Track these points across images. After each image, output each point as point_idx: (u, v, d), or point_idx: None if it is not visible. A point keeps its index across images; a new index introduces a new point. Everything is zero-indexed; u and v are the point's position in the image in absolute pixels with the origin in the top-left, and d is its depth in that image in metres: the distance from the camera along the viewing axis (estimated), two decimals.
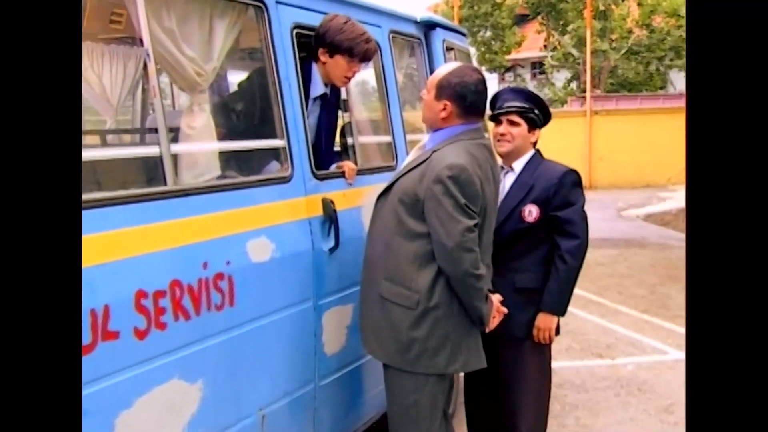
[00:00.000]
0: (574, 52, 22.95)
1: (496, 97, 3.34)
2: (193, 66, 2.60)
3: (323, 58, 3.05)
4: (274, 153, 2.90)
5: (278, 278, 2.77)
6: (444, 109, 2.72)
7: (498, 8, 23.63)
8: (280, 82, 2.85)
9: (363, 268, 2.87)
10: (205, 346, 2.44)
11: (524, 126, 3.25)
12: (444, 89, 2.71)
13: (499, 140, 3.27)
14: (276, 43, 2.86)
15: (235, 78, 3.08)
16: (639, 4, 22.24)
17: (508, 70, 28.79)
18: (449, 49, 4.33)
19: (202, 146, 2.67)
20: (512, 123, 3.25)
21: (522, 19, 26.25)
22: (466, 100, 2.72)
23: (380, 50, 3.62)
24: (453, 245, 2.58)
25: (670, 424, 4.39)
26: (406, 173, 2.73)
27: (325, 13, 3.18)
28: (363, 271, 2.87)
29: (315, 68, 3.12)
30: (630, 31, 22.77)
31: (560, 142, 13.05)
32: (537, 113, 3.27)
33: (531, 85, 26.89)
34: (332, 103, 3.30)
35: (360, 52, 3.04)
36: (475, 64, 4.84)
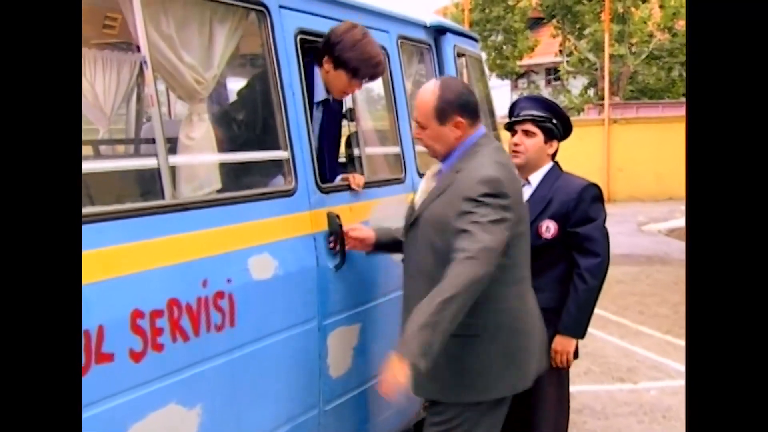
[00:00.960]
0: (591, 57, 23.00)
1: (513, 105, 3.37)
2: (193, 74, 2.62)
3: (327, 66, 3.08)
4: (277, 165, 2.91)
5: (281, 297, 2.78)
6: (456, 127, 2.70)
7: (510, 11, 23.74)
8: (283, 91, 2.88)
9: (403, 310, 2.81)
10: (204, 369, 2.45)
11: (540, 137, 3.26)
12: (445, 111, 2.68)
13: (513, 151, 3.28)
14: (279, 49, 2.89)
15: (236, 86, 3.10)
16: (661, 6, 22.29)
17: (521, 76, 28.89)
18: (460, 55, 4.36)
19: (201, 158, 2.69)
20: (527, 133, 3.27)
21: (536, 23, 26.37)
22: (469, 105, 2.73)
23: (388, 57, 3.65)
24: (480, 247, 2.47)
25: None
26: (432, 202, 2.70)
27: (331, 18, 3.21)
28: (403, 313, 2.76)
29: (317, 72, 3.15)
30: (651, 35, 22.82)
31: (577, 152, 13.04)
32: (555, 123, 3.27)
33: (546, 92, 26.96)
34: (335, 109, 3.33)
35: (365, 74, 3.10)
36: (486, 70, 4.85)
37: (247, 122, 3.04)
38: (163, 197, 2.37)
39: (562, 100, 24.48)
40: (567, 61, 24.44)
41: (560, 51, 25.25)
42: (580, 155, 14.72)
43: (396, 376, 2.39)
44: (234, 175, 2.84)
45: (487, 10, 23.69)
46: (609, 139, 17.78)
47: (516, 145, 3.28)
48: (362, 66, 3.05)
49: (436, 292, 2.43)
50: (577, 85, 25.46)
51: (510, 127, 3.33)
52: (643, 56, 22.81)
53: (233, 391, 2.59)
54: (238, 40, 2.82)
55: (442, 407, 2.76)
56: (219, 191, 2.70)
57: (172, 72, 2.56)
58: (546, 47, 26.71)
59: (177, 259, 2.36)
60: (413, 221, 2.78)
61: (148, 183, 2.45)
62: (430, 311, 2.40)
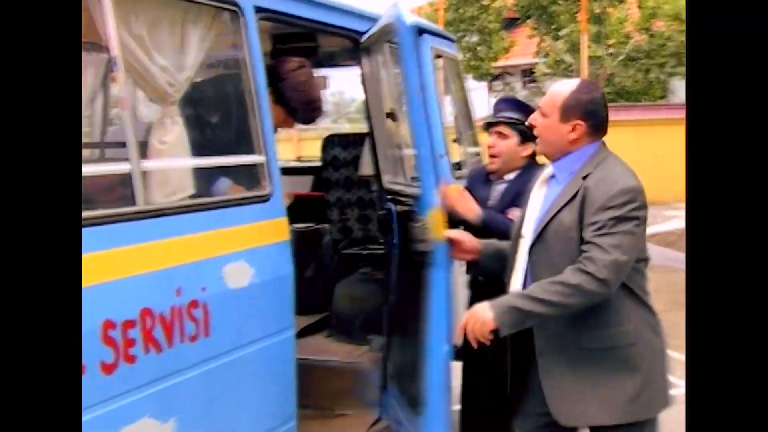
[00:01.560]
0: (568, 58, 23.20)
1: (494, 107, 3.45)
2: (165, 76, 2.62)
3: (275, 110, 3.13)
4: (252, 170, 2.92)
5: (258, 305, 2.79)
6: (573, 130, 2.62)
7: (485, 11, 23.87)
8: (258, 94, 2.89)
9: (541, 330, 2.65)
10: (178, 381, 2.45)
11: (514, 138, 3.33)
12: (572, 109, 2.61)
13: (489, 155, 3.40)
14: (253, 51, 2.90)
15: (210, 89, 3.10)
16: (639, 7, 22.55)
17: (496, 78, 29.05)
18: (437, 56, 4.39)
19: (175, 163, 2.69)
20: (501, 135, 3.35)
21: (511, 23, 26.51)
22: (598, 116, 2.65)
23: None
24: (609, 261, 2.41)
25: None
26: (559, 211, 2.58)
27: (305, 19, 3.24)
28: (537, 332, 2.64)
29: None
30: (628, 36, 23.07)
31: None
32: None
33: (522, 94, 27.14)
34: None
35: (301, 118, 3.21)
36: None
37: (221, 126, 3.05)
38: (135, 203, 2.37)
39: (538, 102, 24.63)
40: (543, 63, 24.63)
41: (536, 52, 25.43)
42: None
43: (477, 329, 2.45)
44: (208, 181, 2.85)
45: (461, 10, 23.79)
46: None
47: (490, 147, 3.38)
48: (301, 109, 3.16)
49: (558, 280, 2.43)
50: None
51: (488, 129, 3.41)
52: (621, 58, 23.05)
53: (208, 404, 2.59)
54: (212, 42, 2.83)
55: None
56: (192, 197, 2.70)
57: (144, 74, 2.56)
58: (522, 48, 26.88)
59: (150, 267, 2.37)
60: (540, 233, 2.62)
61: (119, 188, 2.45)
62: (542, 293, 2.43)
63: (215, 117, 3.07)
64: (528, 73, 28.96)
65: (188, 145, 2.73)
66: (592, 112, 2.63)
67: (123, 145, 2.45)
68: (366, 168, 4.01)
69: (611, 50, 23.25)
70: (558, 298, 2.42)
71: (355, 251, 4.36)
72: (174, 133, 2.67)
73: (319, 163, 4.60)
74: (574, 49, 21.76)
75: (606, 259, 2.41)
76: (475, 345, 2.50)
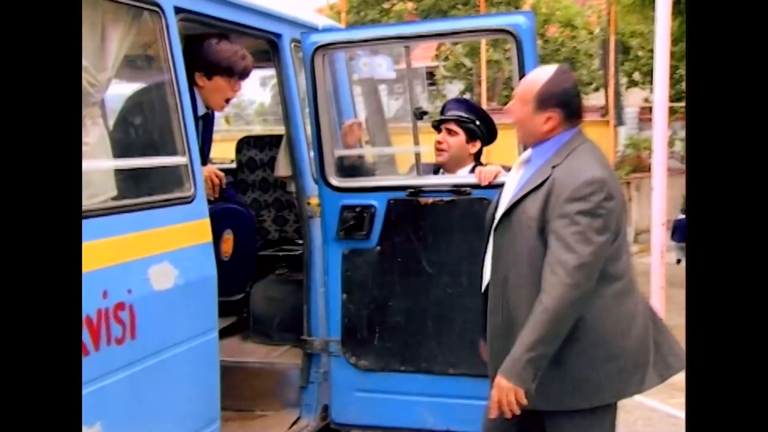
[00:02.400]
0: (467, 62, 23.71)
1: (443, 107, 3.72)
2: (86, 75, 2.58)
3: (201, 81, 3.19)
4: (174, 171, 2.91)
5: (182, 307, 2.78)
6: (548, 119, 2.66)
7: (386, 14, 24.12)
8: (180, 94, 2.87)
9: (493, 312, 2.71)
10: (104, 384, 2.43)
11: (462, 136, 3.60)
12: (546, 99, 2.65)
13: (436, 149, 3.61)
14: (174, 51, 2.89)
15: (131, 89, 3.07)
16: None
17: (396, 80, 29.27)
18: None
19: (97, 164, 2.65)
20: (450, 132, 3.60)
21: None
22: (571, 106, 2.68)
23: (281, 60, 3.70)
24: (577, 264, 2.46)
25: None
26: (526, 197, 2.62)
27: (224, 20, 3.23)
28: (493, 316, 2.70)
29: (195, 90, 3.26)
30: None
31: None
32: (478, 125, 3.60)
33: (421, 98, 27.47)
34: (212, 122, 3.54)
35: (239, 69, 3.21)
36: None
37: (143, 126, 3.02)
38: None
39: (438, 105, 25.07)
40: (443, 66, 25.06)
41: (436, 56, 25.84)
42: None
43: (510, 401, 2.44)
44: (130, 182, 2.81)
45: (362, 13, 23.97)
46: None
47: (439, 143, 3.62)
48: (233, 63, 3.19)
49: (539, 312, 2.45)
50: (453, 90, 26.13)
51: (437, 126, 3.65)
52: None
53: (134, 407, 2.57)
54: (133, 41, 2.80)
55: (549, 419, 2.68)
56: (114, 198, 2.67)
57: None
58: (423, 52, 27.26)
59: None
60: (506, 212, 2.66)
61: None
62: (536, 332, 2.44)
63: (137, 118, 3.03)
64: (429, 76, 29.40)
65: (109, 147, 2.70)
66: (565, 102, 2.66)
67: None
68: (282, 169, 4.03)
69: (508, 54, 23.85)
70: (550, 326, 2.45)
71: (272, 252, 4.36)
72: (95, 134, 2.64)
73: (232, 165, 4.58)
74: (474, 53, 22.25)
75: (573, 263, 2.44)
76: (511, 414, 2.49)
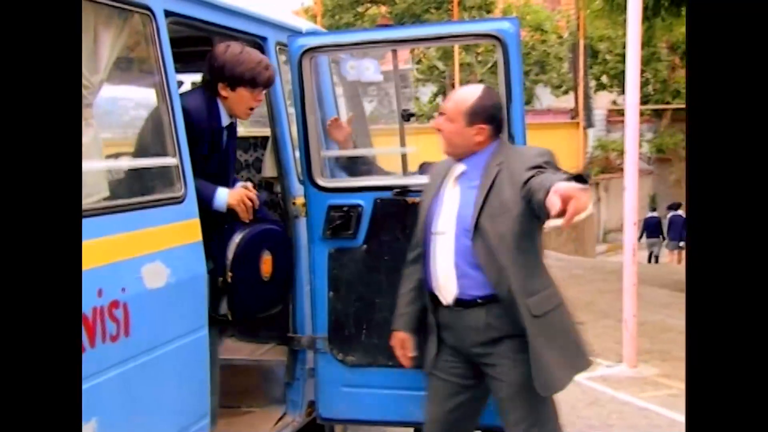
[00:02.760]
0: (440, 65, 23.83)
1: None
2: None
3: (224, 92, 3.13)
4: (166, 172, 2.92)
5: (174, 305, 2.80)
6: (479, 133, 2.88)
7: (360, 18, 24.18)
8: (171, 96, 2.89)
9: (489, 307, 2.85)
10: (99, 381, 2.44)
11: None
12: (477, 114, 2.86)
13: None
14: (165, 53, 2.90)
15: (122, 91, 3.08)
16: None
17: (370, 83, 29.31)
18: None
19: (90, 165, 2.66)
20: None
21: None
22: (497, 120, 2.91)
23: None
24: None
25: None
26: (488, 197, 2.79)
27: (213, 24, 3.26)
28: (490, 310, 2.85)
29: (218, 102, 3.22)
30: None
31: (428, 158, 13.50)
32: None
33: (394, 100, 27.51)
34: (236, 131, 3.48)
35: (263, 80, 3.15)
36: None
37: (135, 128, 3.03)
38: None
39: (412, 107, 25.14)
40: (416, 69, 25.16)
41: (411, 59, 25.92)
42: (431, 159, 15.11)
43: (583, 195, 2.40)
44: (122, 183, 2.83)
45: (337, 17, 24.00)
46: None
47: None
48: (256, 74, 3.13)
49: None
50: (425, 92, 26.24)
51: None
52: (489, 65, 23.87)
53: (127, 404, 2.59)
54: (125, 44, 2.81)
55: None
56: (107, 199, 2.68)
57: None
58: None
59: None
60: (476, 226, 2.79)
61: None
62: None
63: (129, 120, 3.04)
64: (402, 79, 29.48)
65: (102, 148, 2.71)
66: (493, 116, 2.90)
67: None
68: (268, 170, 4.05)
69: (480, 58, 24.03)
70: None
71: None
72: (88, 135, 2.64)
73: None
74: (447, 56, 22.37)
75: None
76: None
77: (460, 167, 2.94)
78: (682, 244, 16.85)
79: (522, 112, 3.26)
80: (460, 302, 2.88)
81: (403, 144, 3.71)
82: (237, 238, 3.15)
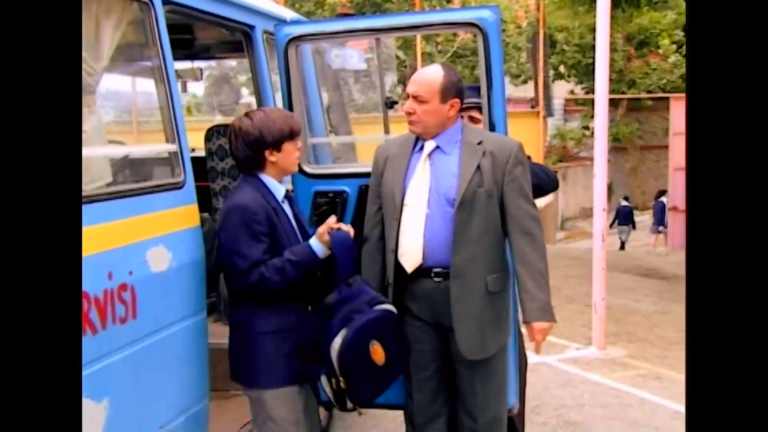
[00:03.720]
0: (401, 54, 23.90)
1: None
2: (84, 65, 2.63)
3: (273, 158, 2.92)
4: (165, 158, 2.98)
5: (176, 288, 2.86)
6: (452, 107, 3.04)
7: (320, 7, 24.12)
8: (169, 84, 2.94)
9: (454, 278, 2.99)
10: (110, 362, 2.50)
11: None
12: (449, 91, 3.02)
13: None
14: (163, 41, 2.95)
15: (123, 78, 3.11)
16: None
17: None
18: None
19: (94, 151, 2.70)
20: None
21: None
22: (462, 94, 3.10)
23: (254, 52, 3.80)
24: (538, 215, 3.06)
25: (538, 424, 4.87)
26: (471, 180, 2.98)
27: (206, 12, 3.31)
28: (454, 282, 3.00)
29: (265, 177, 2.98)
30: (455, 35, 24.08)
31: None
32: None
33: (354, 89, 27.54)
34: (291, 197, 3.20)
35: (298, 129, 3.01)
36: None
37: (136, 115, 3.07)
38: None
39: (371, 97, 25.18)
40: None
41: (370, 48, 25.91)
42: None
43: (547, 331, 3.03)
44: (124, 168, 2.87)
45: (297, 5, 23.90)
46: None
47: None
48: (292, 123, 2.98)
49: (539, 259, 3.00)
50: (386, 81, 26.29)
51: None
52: (449, 54, 24.02)
53: (135, 384, 2.65)
54: (125, 31, 2.85)
55: (488, 360, 3.12)
56: (111, 184, 2.73)
57: None
58: (356, 44, 27.33)
59: (85, 251, 2.39)
60: (462, 198, 2.96)
61: None
62: (544, 276, 3.01)
63: (129, 106, 3.08)
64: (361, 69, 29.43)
65: (105, 134, 2.76)
66: (460, 90, 3.09)
67: None
68: None
69: (440, 47, 24.17)
70: (546, 269, 3.04)
71: None
72: (92, 122, 2.69)
73: (199, 154, 4.63)
74: (407, 45, 22.45)
75: (537, 215, 3.05)
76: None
77: (431, 144, 3.09)
78: (661, 228, 17.57)
79: (503, 99, 3.36)
80: (425, 271, 3.05)
81: (387, 131, 3.78)
82: (336, 344, 2.81)
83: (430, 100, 3.02)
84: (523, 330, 3.34)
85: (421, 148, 3.09)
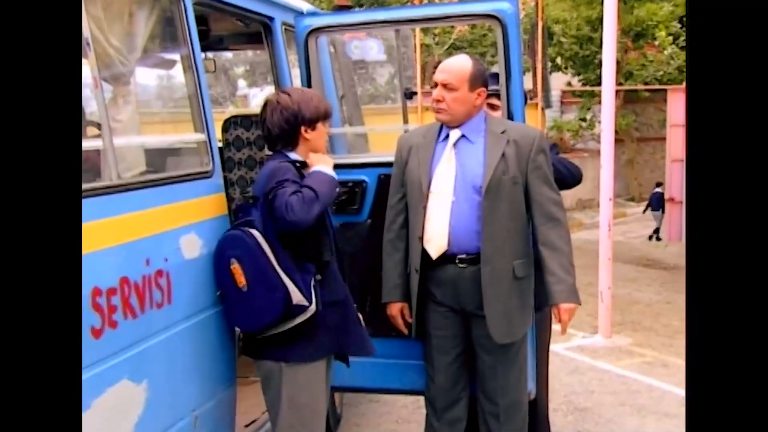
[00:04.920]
0: (396, 45, 23.90)
1: None
2: (119, 56, 2.71)
3: (308, 135, 2.97)
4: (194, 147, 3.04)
5: (207, 275, 2.93)
6: (479, 96, 3.13)
7: (318, 0, 24.12)
8: (198, 74, 3.01)
9: (485, 264, 3.08)
10: (148, 345, 2.58)
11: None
12: (477, 79, 3.12)
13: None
14: (192, 32, 3.01)
15: (155, 70, 3.18)
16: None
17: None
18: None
19: (129, 140, 2.77)
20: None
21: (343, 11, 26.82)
22: (488, 83, 3.20)
23: (274, 43, 3.86)
24: (561, 200, 3.18)
25: (549, 410, 4.96)
26: (497, 168, 3.06)
27: (230, 5, 3.37)
28: (484, 267, 3.08)
29: (293, 157, 2.99)
30: (453, 26, 24.12)
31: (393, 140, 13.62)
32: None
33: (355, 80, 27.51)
34: None
35: (330, 111, 3.06)
36: None
37: (167, 105, 3.13)
38: (110, 179, 2.46)
39: (368, 89, 25.21)
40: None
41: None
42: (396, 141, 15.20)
43: (573, 312, 3.14)
44: (156, 157, 2.94)
45: None
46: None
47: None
48: (326, 105, 3.02)
49: (566, 242, 3.12)
50: (383, 73, 26.32)
51: None
52: (446, 46, 24.08)
53: (170, 368, 2.72)
54: (155, 24, 2.92)
55: (509, 345, 3.21)
56: (146, 173, 2.80)
57: (102, 54, 2.63)
58: (354, 36, 27.30)
59: (125, 238, 2.47)
60: (488, 186, 3.05)
61: (95, 164, 2.52)
62: (569, 258, 3.11)
63: (161, 97, 3.14)
64: (359, 61, 29.42)
65: (139, 124, 2.82)
66: (486, 80, 3.20)
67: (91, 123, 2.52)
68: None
69: (437, 39, 24.21)
70: (569, 248, 3.14)
71: None
72: (127, 112, 2.76)
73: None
74: (404, 37, 22.44)
75: (561, 200, 3.16)
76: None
77: (457, 133, 3.17)
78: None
79: (521, 90, 3.43)
80: (449, 257, 3.14)
81: (405, 121, 3.86)
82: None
83: (460, 87, 3.10)
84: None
85: (446, 137, 3.17)
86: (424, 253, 3.16)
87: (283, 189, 2.76)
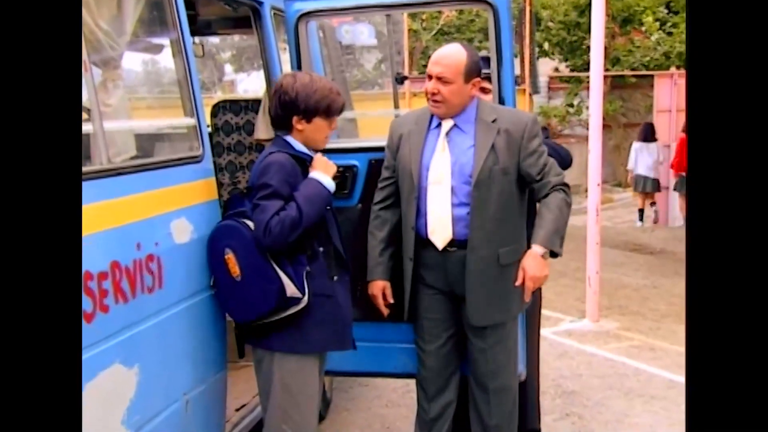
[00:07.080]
0: (385, 31, 23.84)
1: None
2: (108, 40, 2.69)
3: (300, 126, 2.94)
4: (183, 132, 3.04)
5: (197, 260, 2.93)
6: (474, 87, 3.13)
7: None
8: (188, 58, 3.00)
9: (471, 252, 3.11)
10: (140, 330, 2.59)
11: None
12: (472, 71, 3.09)
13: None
14: (181, 16, 3.00)
15: (144, 54, 3.16)
16: None
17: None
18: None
19: (119, 125, 2.77)
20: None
21: None
22: (481, 71, 3.17)
23: (263, 28, 3.84)
24: (563, 173, 3.15)
25: None
26: (487, 158, 3.06)
27: None
28: (470, 255, 3.11)
29: (291, 140, 3.00)
30: (440, 12, 24.06)
31: (382, 125, 13.59)
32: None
33: (350, 64, 27.44)
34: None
35: (337, 108, 2.98)
36: None
37: (157, 89, 3.12)
38: (100, 162, 2.46)
39: (355, 74, 25.14)
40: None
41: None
42: (384, 127, 15.19)
43: (543, 271, 2.97)
44: (146, 141, 2.93)
45: None
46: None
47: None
48: (331, 101, 2.95)
49: (566, 205, 3.07)
50: (370, 59, 26.25)
51: None
52: (434, 32, 24.01)
53: (162, 352, 2.74)
54: (144, 7, 2.90)
55: (499, 329, 3.25)
56: (136, 157, 2.80)
57: (91, 38, 2.62)
58: (341, 20, 27.19)
59: (116, 222, 2.47)
60: (479, 176, 3.05)
61: (85, 149, 2.51)
62: (561, 214, 3.03)
63: (150, 81, 3.13)
64: (345, 47, 29.30)
65: (129, 108, 2.82)
66: (480, 68, 3.17)
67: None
68: (262, 132, 4.16)
69: (425, 24, 24.13)
70: (566, 211, 3.07)
71: None
72: (116, 96, 2.75)
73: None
74: (393, 22, 22.39)
75: (562, 174, 3.14)
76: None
77: (449, 122, 3.17)
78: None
79: (512, 75, 3.44)
80: (454, 243, 3.16)
81: (396, 106, 3.86)
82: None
83: (455, 80, 3.08)
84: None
85: (438, 125, 3.17)
86: (417, 241, 3.17)
87: (266, 203, 2.78)
